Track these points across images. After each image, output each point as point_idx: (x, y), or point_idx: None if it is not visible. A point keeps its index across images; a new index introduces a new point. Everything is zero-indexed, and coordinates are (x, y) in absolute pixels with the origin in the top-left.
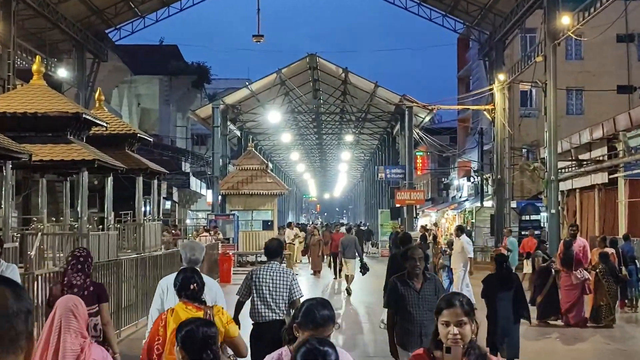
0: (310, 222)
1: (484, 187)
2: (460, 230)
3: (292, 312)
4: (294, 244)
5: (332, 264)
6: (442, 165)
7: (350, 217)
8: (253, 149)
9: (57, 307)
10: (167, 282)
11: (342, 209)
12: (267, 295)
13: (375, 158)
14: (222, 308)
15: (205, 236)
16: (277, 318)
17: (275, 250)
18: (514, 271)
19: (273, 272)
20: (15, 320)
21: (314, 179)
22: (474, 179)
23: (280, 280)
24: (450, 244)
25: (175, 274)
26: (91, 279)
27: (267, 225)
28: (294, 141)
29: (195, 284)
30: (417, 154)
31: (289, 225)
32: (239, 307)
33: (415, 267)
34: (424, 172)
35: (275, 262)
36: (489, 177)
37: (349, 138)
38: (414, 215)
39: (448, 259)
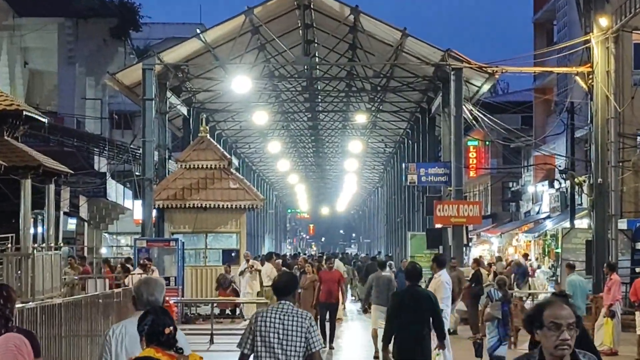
0: (300, 253)
1: (576, 197)
2: (439, 263)
3: None
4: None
5: (319, 322)
6: (510, 162)
7: (361, 243)
8: (208, 136)
9: None
10: (122, 330)
11: (348, 231)
12: (276, 346)
13: (402, 151)
14: (202, 358)
15: (139, 274)
16: None
17: (286, 286)
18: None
19: (284, 316)
20: None
21: (306, 184)
22: (560, 183)
23: (293, 325)
24: (501, 284)
25: (132, 319)
26: (15, 325)
27: (229, 257)
28: (273, 124)
29: (170, 327)
30: (469, 144)
31: (268, 257)
32: None
33: (563, 345)
34: (480, 172)
35: (287, 303)
36: (584, 182)
37: (360, 119)
38: (465, 241)
39: (499, 307)
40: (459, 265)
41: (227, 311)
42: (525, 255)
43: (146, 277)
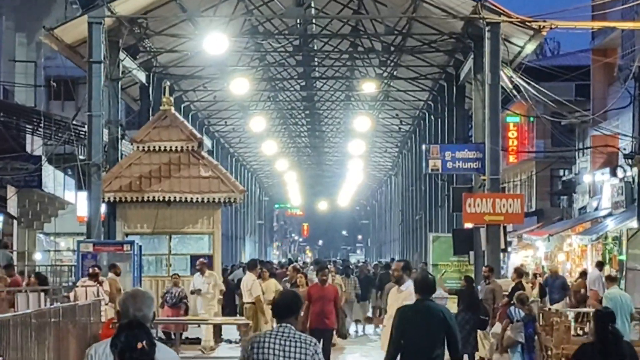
0: (292, 260)
1: None
2: (404, 269)
3: None
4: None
5: None
6: (561, 144)
7: (370, 247)
8: (172, 110)
9: None
10: (105, 350)
11: (353, 232)
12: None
13: (421, 130)
14: None
15: (90, 286)
16: None
17: (288, 306)
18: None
19: (286, 342)
20: None
21: (299, 172)
22: (625, 171)
23: (297, 353)
24: (523, 300)
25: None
26: None
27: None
28: (256, 94)
29: (144, 342)
30: (509, 120)
31: (251, 266)
32: None
33: None
34: (522, 157)
35: (289, 326)
36: None
37: (368, 88)
38: (503, 245)
39: (522, 329)
40: (493, 277)
41: (183, 335)
42: (600, 264)
43: (133, 290)
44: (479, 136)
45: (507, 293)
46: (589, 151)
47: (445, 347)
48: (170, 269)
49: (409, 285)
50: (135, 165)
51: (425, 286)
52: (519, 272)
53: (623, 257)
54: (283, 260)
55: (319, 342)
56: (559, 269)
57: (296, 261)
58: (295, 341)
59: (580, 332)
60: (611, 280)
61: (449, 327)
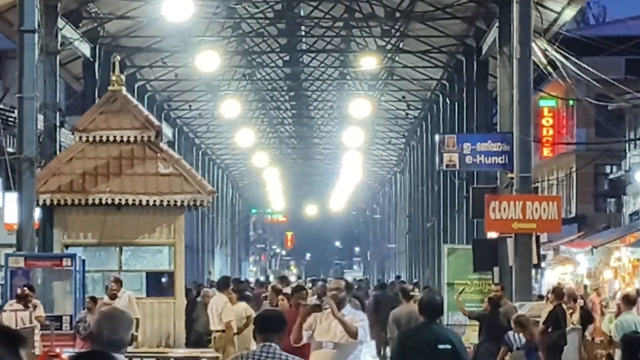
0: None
1: None
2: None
3: None
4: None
5: None
6: (607, 134)
7: (369, 262)
8: (124, 91)
9: None
10: None
11: (349, 243)
12: None
13: (434, 116)
14: None
15: (19, 311)
16: None
17: (273, 323)
18: None
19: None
20: None
21: (281, 169)
22: None
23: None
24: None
25: None
26: None
27: (158, 283)
28: (229, 71)
29: None
30: (543, 104)
31: (223, 285)
32: None
33: None
34: (559, 150)
35: (273, 345)
36: None
37: (367, 64)
38: (535, 260)
39: (523, 357)
40: (506, 297)
41: None
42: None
43: (109, 309)
44: (505, 124)
45: (541, 320)
46: None
47: None
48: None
49: (350, 311)
50: (77, 159)
51: (432, 307)
52: (558, 292)
53: None
54: (262, 278)
55: None
56: (604, 288)
57: (278, 279)
58: None
59: None
60: (628, 302)
61: (457, 356)
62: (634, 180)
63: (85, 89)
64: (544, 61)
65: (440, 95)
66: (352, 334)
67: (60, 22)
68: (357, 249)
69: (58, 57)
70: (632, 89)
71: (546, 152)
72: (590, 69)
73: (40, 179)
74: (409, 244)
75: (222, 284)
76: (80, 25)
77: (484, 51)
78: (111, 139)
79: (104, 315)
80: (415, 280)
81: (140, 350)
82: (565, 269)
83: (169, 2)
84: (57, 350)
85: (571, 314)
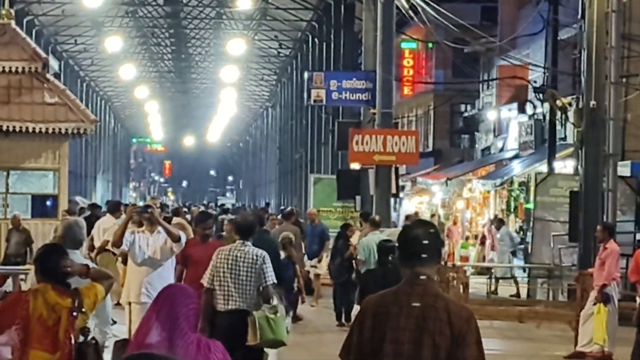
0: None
1: (558, 127)
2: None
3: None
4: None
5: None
6: (463, 75)
7: (242, 190)
8: (13, 24)
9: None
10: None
11: (223, 172)
12: (230, 281)
13: (304, 54)
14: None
15: None
16: (238, 308)
17: (250, 227)
18: None
19: (240, 254)
20: None
21: (161, 101)
22: (535, 108)
23: (247, 263)
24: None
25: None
26: None
27: (43, 206)
28: (113, 8)
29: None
30: (404, 46)
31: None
32: (208, 295)
33: None
34: (418, 89)
35: (246, 243)
36: (570, 105)
37: (242, 4)
38: (394, 190)
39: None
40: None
41: None
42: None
43: (75, 219)
44: (369, 63)
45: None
46: (494, 83)
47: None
48: (7, 211)
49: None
50: None
51: (244, 227)
52: (413, 220)
53: (530, 205)
54: (141, 203)
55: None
56: (457, 217)
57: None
58: (248, 254)
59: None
60: (373, 224)
61: (263, 272)
62: (486, 118)
63: None
64: (406, 5)
65: (310, 36)
66: (175, 237)
67: None
68: (230, 178)
69: None
70: (486, 34)
71: (406, 90)
72: (448, 14)
73: None
74: (278, 174)
75: (114, 207)
76: None
77: None
78: (0, 69)
79: (71, 222)
80: (282, 207)
81: (25, 268)
82: (421, 199)
83: None
84: None
85: None
